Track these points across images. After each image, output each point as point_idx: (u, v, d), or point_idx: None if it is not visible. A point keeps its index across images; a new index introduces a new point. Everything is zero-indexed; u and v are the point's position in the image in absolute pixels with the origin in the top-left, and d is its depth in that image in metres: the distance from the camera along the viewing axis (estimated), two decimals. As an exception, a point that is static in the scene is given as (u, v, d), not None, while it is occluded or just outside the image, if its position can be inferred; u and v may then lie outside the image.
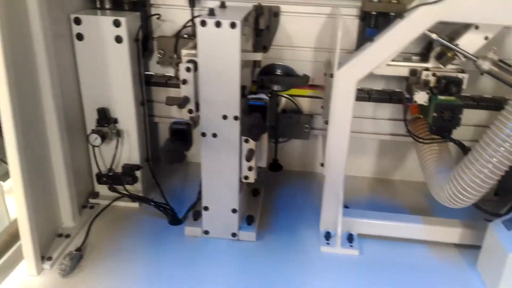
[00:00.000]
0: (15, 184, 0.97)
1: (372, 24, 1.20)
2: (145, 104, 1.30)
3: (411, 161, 1.50)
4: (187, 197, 1.36)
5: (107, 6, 1.26)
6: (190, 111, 1.06)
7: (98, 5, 1.26)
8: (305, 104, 1.40)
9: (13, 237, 1.09)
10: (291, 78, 1.27)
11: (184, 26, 1.28)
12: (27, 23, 0.98)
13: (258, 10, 1.09)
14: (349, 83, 1.04)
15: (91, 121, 1.25)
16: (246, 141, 1.07)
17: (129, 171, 1.30)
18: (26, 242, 1.01)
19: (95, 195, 1.34)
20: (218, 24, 0.97)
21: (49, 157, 1.11)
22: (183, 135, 1.05)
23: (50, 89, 1.05)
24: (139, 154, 1.31)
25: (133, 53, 1.21)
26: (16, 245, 1.08)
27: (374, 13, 1.20)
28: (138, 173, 1.32)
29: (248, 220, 1.22)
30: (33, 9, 0.98)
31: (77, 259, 1.08)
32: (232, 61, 1.00)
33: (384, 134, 1.38)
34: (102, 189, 1.34)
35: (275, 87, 1.27)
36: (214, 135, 1.08)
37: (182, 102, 1.02)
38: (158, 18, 1.32)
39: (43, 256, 1.07)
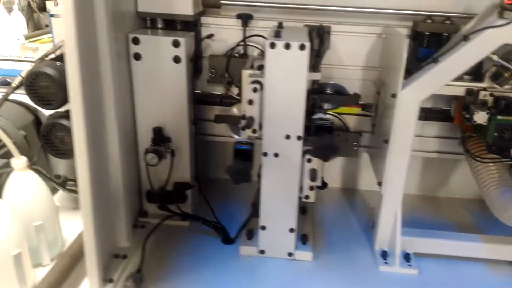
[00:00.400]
0: (83, 203, 0.96)
1: (425, 44, 1.22)
2: (196, 122, 1.31)
3: (455, 178, 1.51)
4: (233, 216, 1.35)
5: (159, 25, 1.27)
6: (254, 131, 1.06)
7: (149, 25, 1.27)
8: (351, 121, 1.40)
9: (73, 259, 1.08)
10: (342, 96, 1.28)
11: (238, 45, 1.29)
12: (95, 42, 0.99)
13: (320, 31, 1.11)
14: (413, 103, 1.05)
15: (142, 139, 1.25)
16: (309, 161, 1.07)
17: (180, 189, 1.30)
18: (91, 264, 1.00)
19: (144, 214, 1.33)
20: (287, 46, 0.98)
21: (109, 175, 1.11)
22: (246, 155, 1.06)
23: (113, 108, 1.05)
24: (190, 173, 1.31)
25: (189, 73, 1.21)
26: (75, 268, 1.08)
27: (427, 33, 1.22)
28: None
29: (302, 239, 1.22)
30: (101, 28, 0.98)
31: (139, 280, 1.07)
32: (299, 82, 1.01)
33: (430, 152, 1.39)
34: (150, 208, 1.33)
35: (326, 106, 1.28)
36: (276, 155, 1.08)
37: (248, 123, 1.03)
38: (208, 38, 1.33)
39: (104, 278, 1.06)
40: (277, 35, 1.01)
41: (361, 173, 1.55)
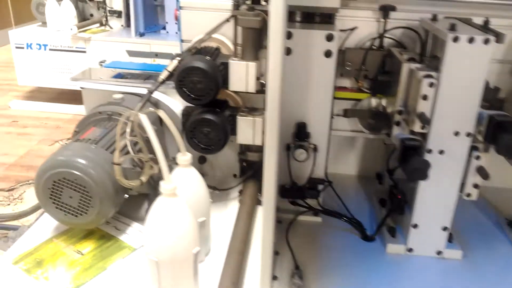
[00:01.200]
0: (266, 202, 0.95)
1: None
2: (333, 117, 1.29)
3: None
4: (359, 212, 1.34)
5: (298, 19, 1.24)
6: (423, 127, 1.04)
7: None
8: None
9: (240, 255, 1.07)
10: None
11: (379, 37, 1.27)
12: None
13: (486, 25, 1.08)
14: None
15: (282, 134, 1.23)
16: (478, 158, 1.05)
17: (314, 185, 1.29)
18: (265, 262, 0.99)
19: (276, 209, 1.32)
20: (471, 40, 0.96)
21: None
22: (416, 151, 1.04)
23: (278, 101, 1.04)
24: (324, 169, 1.29)
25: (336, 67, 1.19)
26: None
27: None
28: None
29: (448, 237, 1.20)
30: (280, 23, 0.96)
31: (302, 277, 1.06)
32: (478, 77, 0.99)
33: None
34: (281, 203, 1.32)
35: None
36: (441, 152, 1.06)
37: (423, 119, 1.01)
38: (351, 30, 1.31)
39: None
40: (453, 28, 0.99)
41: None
